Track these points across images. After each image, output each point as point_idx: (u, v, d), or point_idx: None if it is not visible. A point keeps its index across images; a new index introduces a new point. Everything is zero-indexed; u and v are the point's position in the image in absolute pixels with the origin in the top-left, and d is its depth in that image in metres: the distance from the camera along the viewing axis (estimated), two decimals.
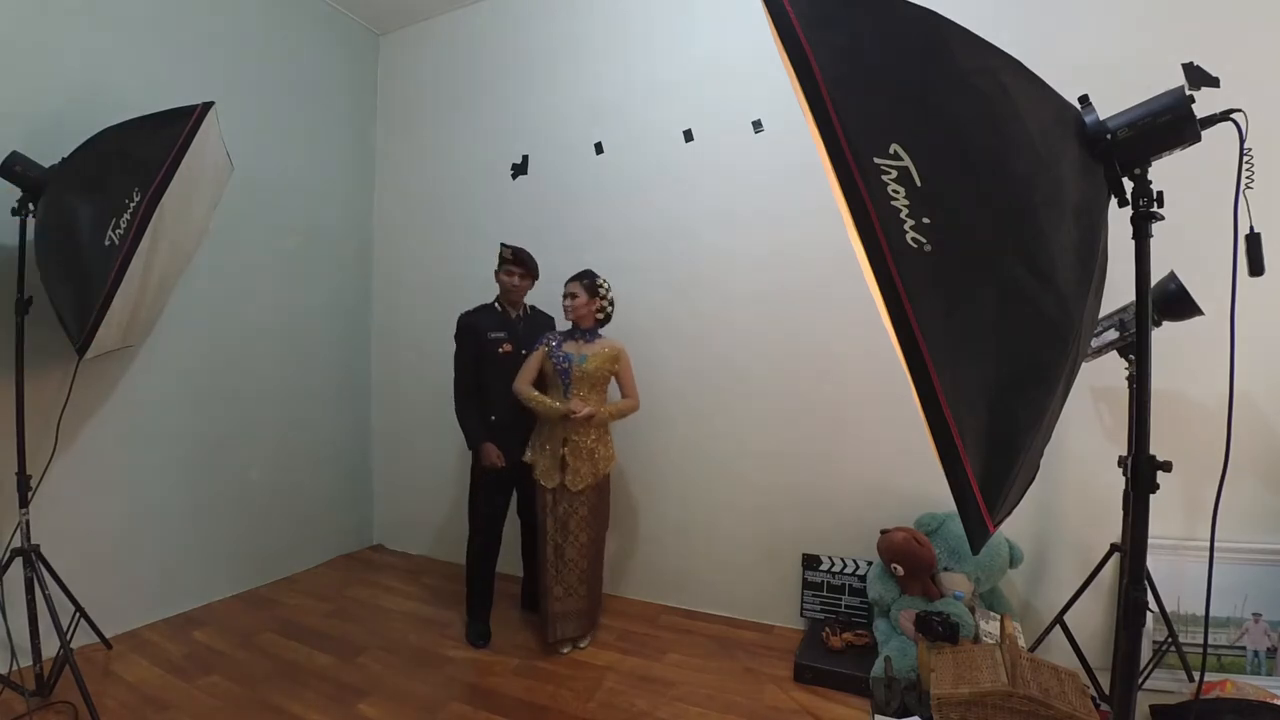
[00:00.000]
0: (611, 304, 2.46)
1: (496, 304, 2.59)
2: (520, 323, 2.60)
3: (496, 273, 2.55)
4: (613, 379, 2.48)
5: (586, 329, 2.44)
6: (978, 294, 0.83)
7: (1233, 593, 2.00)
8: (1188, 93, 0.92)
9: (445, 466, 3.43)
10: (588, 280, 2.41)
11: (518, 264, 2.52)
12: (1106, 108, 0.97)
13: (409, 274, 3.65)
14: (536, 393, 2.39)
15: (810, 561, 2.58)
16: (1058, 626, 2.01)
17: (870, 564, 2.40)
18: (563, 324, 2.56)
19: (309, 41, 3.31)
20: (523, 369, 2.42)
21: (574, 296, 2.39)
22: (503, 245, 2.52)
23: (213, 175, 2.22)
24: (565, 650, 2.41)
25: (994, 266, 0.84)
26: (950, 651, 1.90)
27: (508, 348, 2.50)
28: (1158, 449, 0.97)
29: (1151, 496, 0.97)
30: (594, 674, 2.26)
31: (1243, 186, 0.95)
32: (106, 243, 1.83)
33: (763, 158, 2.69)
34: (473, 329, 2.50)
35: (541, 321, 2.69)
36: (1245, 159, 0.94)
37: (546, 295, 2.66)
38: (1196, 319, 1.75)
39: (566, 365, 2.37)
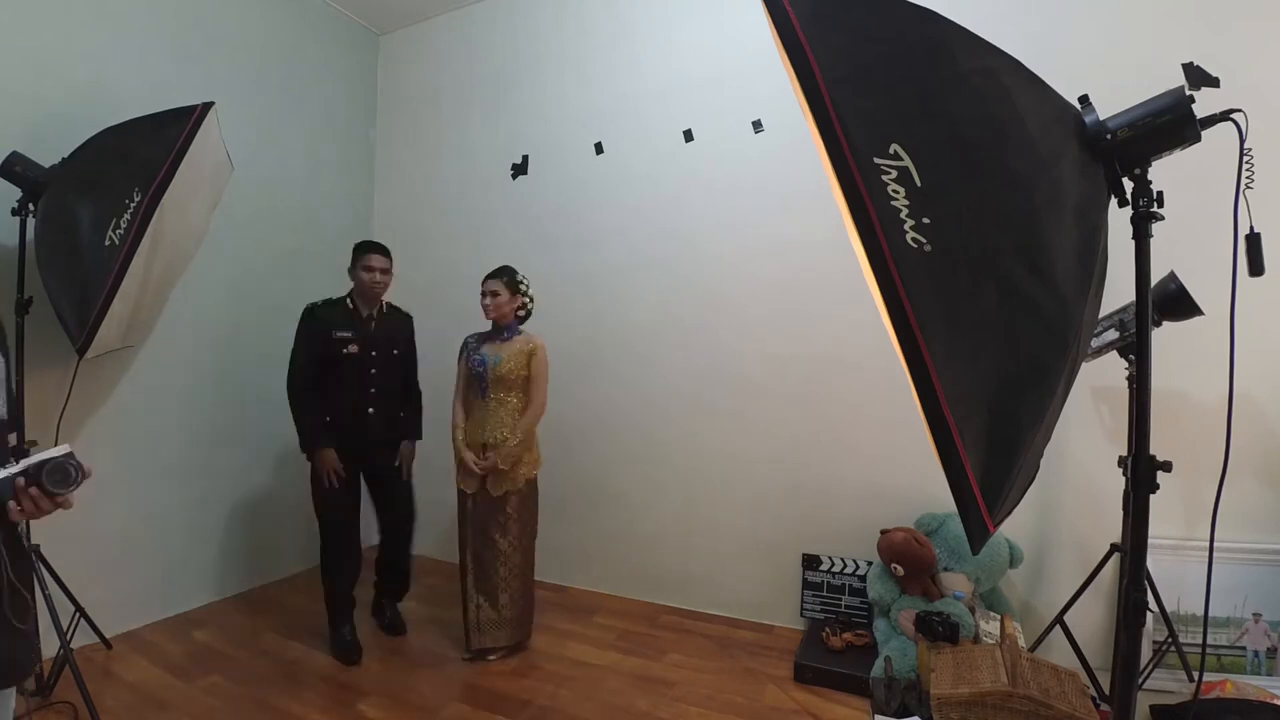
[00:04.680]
0: (532, 300, 2.40)
1: (349, 300, 2.41)
2: (372, 322, 2.42)
3: (352, 270, 2.39)
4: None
5: (505, 326, 2.35)
6: (978, 294, 0.83)
7: (1233, 593, 2.00)
8: (1188, 93, 0.92)
9: (444, 466, 3.41)
10: (508, 277, 2.32)
11: (379, 253, 2.36)
12: (1106, 108, 0.97)
13: (408, 274, 3.61)
14: (459, 439, 2.34)
15: (810, 561, 2.58)
16: (1058, 626, 2.01)
17: (870, 564, 2.40)
18: (481, 324, 2.44)
19: (309, 41, 3.31)
20: (456, 390, 2.36)
21: (495, 295, 2.29)
22: (361, 243, 2.40)
23: (213, 175, 2.23)
24: (492, 659, 2.32)
25: (994, 267, 0.84)
26: (950, 651, 1.90)
27: (354, 349, 2.34)
28: (1158, 449, 0.97)
29: (1151, 496, 0.97)
30: (594, 674, 2.26)
31: (1243, 186, 0.95)
32: (106, 243, 1.83)
33: (762, 158, 2.69)
34: (318, 323, 2.33)
35: (398, 321, 2.52)
36: (1245, 159, 0.94)
37: (545, 296, 2.65)
38: (1196, 319, 1.75)
39: (482, 369, 2.30)
